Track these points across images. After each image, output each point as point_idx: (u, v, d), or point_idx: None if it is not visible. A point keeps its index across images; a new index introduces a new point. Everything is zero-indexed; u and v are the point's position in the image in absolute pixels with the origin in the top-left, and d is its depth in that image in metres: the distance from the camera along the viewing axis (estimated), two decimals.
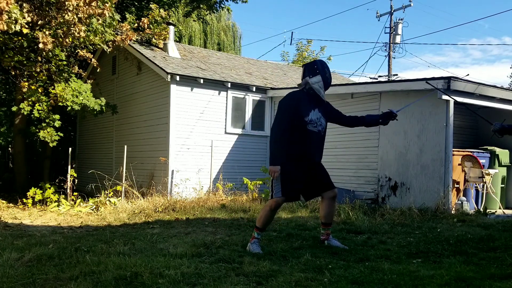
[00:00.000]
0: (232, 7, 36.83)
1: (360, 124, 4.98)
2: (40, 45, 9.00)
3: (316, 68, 4.42)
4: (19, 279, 3.32)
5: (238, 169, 10.63)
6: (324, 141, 4.61)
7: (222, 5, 18.65)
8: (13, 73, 10.35)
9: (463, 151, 8.11)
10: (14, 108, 11.39)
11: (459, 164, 7.91)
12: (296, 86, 4.72)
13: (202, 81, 10.29)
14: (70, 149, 11.02)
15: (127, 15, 12.70)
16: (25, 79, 10.23)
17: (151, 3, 13.43)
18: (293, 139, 4.32)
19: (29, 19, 8.47)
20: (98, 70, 11.74)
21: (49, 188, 9.96)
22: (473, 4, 72.60)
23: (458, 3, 70.25)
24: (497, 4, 66.42)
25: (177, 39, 17.27)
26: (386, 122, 4.81)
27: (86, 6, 9.08)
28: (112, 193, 9.18)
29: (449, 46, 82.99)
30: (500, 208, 8.14)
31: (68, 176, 10.12)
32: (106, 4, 9.51)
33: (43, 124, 10.45)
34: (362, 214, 6.92)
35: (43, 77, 10.34)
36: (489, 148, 8.71)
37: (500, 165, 8.57)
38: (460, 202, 7.53)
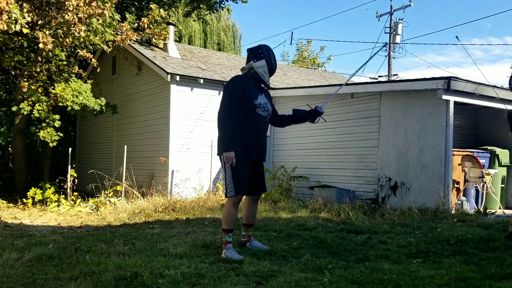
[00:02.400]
0: (232, 7, 36.81)
1: (290, 122, 4.73)
2: (40, 45, 9.00)
3: (260, 53, 4.27)
4: (19, 279, 3.32)
5: None
6: (267, 130, 4.41)
7: (222, 5, 18.66)
8: (13, 73, 10.35)
9: (463, 151, 8.11)
10: (14, 108, 11.39)
11: (459, 164, 7.91)
12: (243, 72, 4.42)
13: (202, 81, 10.29)
14: (70, 149, 11.01)
15: (127, 15, 12.70)
16: (25, 79, 10.23)
17: (151, 3, 13.43)
18: (243, 124, 4.09)
19: (29, 19, 8.47)
20: (98, 70, 11.74)
21: (49, 188, 9.96)
22: (474, 4, 72.61)
23: (458, 3, 70.26)
24: (498, 3, 66.43)
25: (177, 39, 17.27)
26: (314, 119, 4.56)
27: (86, 6, 9.09)
28: (112, 193, 9.18)
29: (451, 46, 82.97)
30: (500, 208, 8.14)
31: (68, 176, 10.12)
32: (106, 4, 9.51)
33: (43, 124, 10.45)
34: (362, 214, 6.92)
35: (43, 77, 10.34)
36: (489, 148, 8.71)
37: (500, 165, 8.58)
38: (460, 202, 7.53)
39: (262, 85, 4.34)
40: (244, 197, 4.41)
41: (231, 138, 4.03)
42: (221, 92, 10.63)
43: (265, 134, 4.35)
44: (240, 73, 4.44)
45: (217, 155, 4.27)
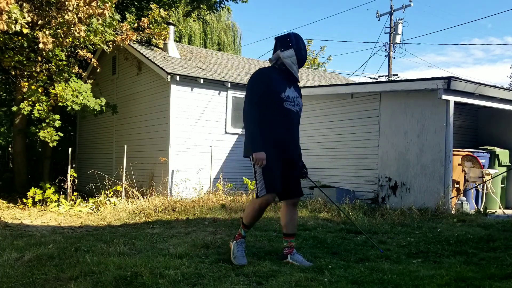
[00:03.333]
0: (232, 7, 36.83)
1: None
2: (40, 45, 9.00)
3: (289, 41, 3.85)
4: (19, 279, 3.32)
5: (238, 169, 10.63)
6: (299, 127, 4.02)
7: (222, 5, 18.68)
8: (13, 73, 10.35)
9: (463, 151, 8.11)
10: (14, 108, 11.39)
11: (459, 164, 7.91)
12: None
13: (202, 81, 10.29)
14: (70, 149, 11.01)
15: (127, 15, 12.70)
16: (25, 79, 10.23)
17: (151, 3, 13.44)
18: (271, 121, 3.74)
19: (29, 19, 8.47)
20: (98, 70, 11.74)
21: (49, 188, 9.96)
22: (474, 4, 72.62)
23: (459, 3, 70.27)
24: (499, 3, 66.42)
25: (177, 39, 17.27)
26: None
27: (86, 6, 9.09)
28: (112, 193, 9.18)
29: (451, 46, 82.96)
30: (500, 208, 8.14)
31: (68, 176, 10.12)
32: (106, 4, 9.52)
33: (43, 124, 10.45)
34: (362, 214, 6.92)
35: (43, 77, 10.34)
36: (489, 148, 8.71)
37: (500, 165, 8.57)
38: (460, 202, 7.53)
39: (291, 78, 3.91)
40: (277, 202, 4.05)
41: (260, 136, 3.66)
42: (221, 92, 10.73)
43: (296, 130, 3.95)
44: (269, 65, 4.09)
45: (244, 156, 3.90)
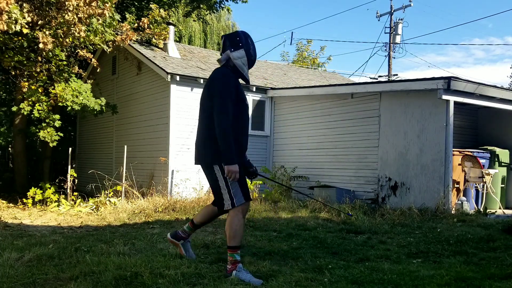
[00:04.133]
0: (232, 7, 36.85)
1: None
2: (40, 45, 8.99)
3: (239, 41, 3.63)
4: (19, 279, 3.32)
5: None
6: None
7: (222, 5, 18.65)
8: (13, 73, 10.34)
9: (463, 151, 8.11)
10: (14, 108, 11.38)
11: (459, 164, 7.91)
12: (221, 64, 3.75)
13: (202, 81, 10.28)
14: (70, 149, 11.01)
15: (127, 15, 12.69)
16: (25, 79, 10.22)
17: (151, 3, 13.43)
18: (237, 127, 3.51)
19: (29, 19, 8.46)
20: (98, 70, 11.73)
21: (49, 188, 9.95)
22: (474, 4, 72.61)
23: (459, 3, 70.26)
24: (500, 3, 66.36)
25: (177, 39, 17.27)
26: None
27: (86, 6, 9.08)
28: (112, 193, 9.18)
29: (452, 46, 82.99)
30: (500, 208, 8.14)
31: (68, 176, 10.11)
32: (106, 4, 9.51)
33: (43, 124, 10.44)
34: (362, 214, 6.93)
35: (43, 77, 10.33)
36: (489, 148, 8.71)
37: (500, 165, 8.58)
38: (460, 202, 7.53)
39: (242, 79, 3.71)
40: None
41: (233, 146, 3.38)
42: None
43: (247, 135, 3.77)
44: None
45: (207, 165, 3.58)
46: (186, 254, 3.95)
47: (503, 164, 8.63)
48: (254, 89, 11.03)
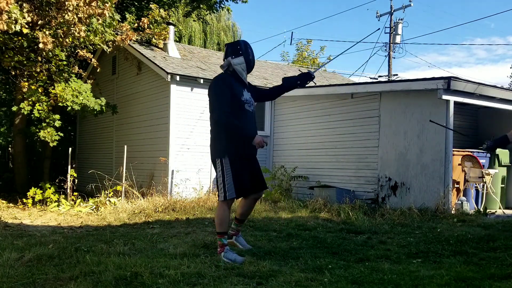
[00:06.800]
0: (232, 7, 36.78)
1: (281, 91, 4.58)
2: (40, 45, 8.99)
3: (239, 49, 4.17)
4: (19, 279, 3.32)
5: None
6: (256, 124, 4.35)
7: (222, 5, 18.65)
8: (13, 73, 10.34)
9: (463, 151, 8.11)
10: (14, 108, 11.39)
11: (459, 164, 7.91)
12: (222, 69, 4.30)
13: (202, 81, 10.28)
14: (70, 149, 11.01)
15: (127, 15, 12.70)
16: (25, 79, 10.22)
17: (151, 3, 13.43)
18: (239, 120, 4.04)
19: (29, 19, 8.46)
20: (98, 70, 11.73)
21: (49, 188, 9.96)
22: (474, 4, 72.61)
23: (459, 3, 70.26)
24: (502, 3, 66.31)
25: (177, 39, 17.27)
26: (304, 83, 4.46)
27: (86, 6, 9.08)
28: (112, 193, 9.18)
29: (453, 46, 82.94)
30: (500, 208, 8.14)
31: (68, 176, 10.11)
32: (106, 4, 9.51)
33: (43, 124, 10.44)
34: (362, 214, 6.93)
35: (43, 77, 10.33)
36: None
37: (500, 165, 8.57)
38: (460, 202, 7.53)
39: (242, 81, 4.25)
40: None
41: (244, 127, 3.98)
42: None
43: (256, 128, 4.29)
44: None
45: (212, 160, 4.13)
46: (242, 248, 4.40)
47: (503, 164, 8.63)
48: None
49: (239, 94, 4.09)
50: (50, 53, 9.75)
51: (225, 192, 4.01)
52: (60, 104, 10.27)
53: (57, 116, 10.52)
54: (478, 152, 8.36)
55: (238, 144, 4.04)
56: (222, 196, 4.05)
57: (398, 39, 24.23)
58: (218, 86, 4.07)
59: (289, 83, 4.50)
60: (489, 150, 4.95)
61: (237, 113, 4.02)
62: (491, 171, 8.11)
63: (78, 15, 9.10)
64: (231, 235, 4.41)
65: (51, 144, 10.60)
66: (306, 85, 4.58)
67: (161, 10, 12.15)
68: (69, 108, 10.16)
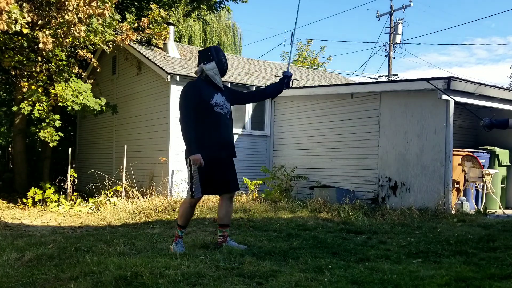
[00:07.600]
0: (232, 7, 36.82)
1: (263, 96, 4.94)
2: (40, 45, 8.99)
3: (210, 55, 4.36)
4: (19, 279, 3.32)
5: (238, 169, 10.52)
6: (232, 127, 4.52)
7: (222, 5, 18.65)
8: (13, 73, 10.34)
9: (463, 151, 8.11)
10: (14, 108, 11.39)
11: (459, 164, 7.91)
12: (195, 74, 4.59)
13: None
14: (70, 149, 11.01)
15: (127, 15, 12.70)
16: (25, 79, 10.22)
17: (151, 3, 13.43)
18: (204, 126, 4.24)
19: (29, 19, 8.46)
20: (98, 70, 11.73)
21: (49, 188, 9.96)
22: (474, 4, 72.59)
23: (459, 3, 70.24)
24: (502, 3, 66.29)
25: (177, 39, 17.26)
26: (285, 85, 4.63)
27: (86, 6, 9.08)
28: (112, 193, 9.18)
29: (454, 46, 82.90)
30: (500, 208, 8.14)
31: (68, 176, 10.11)
32: (106, 4, 9.51)
33: (43, 124, 10.45)
34: (362, 214, 6.93)
35: (43, 77, 10.33)
36: (489, 148, 8.71)
37: (500, 165, 8.57)
38: (460, 202, 7.53)
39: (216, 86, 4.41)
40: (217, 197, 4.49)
41: (196, 141, 4.14)
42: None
43: (229, 131, 4.45)
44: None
45: (185, 159, 4.32)
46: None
47: (503, 164, 8.63)
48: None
49: (208, 97, 4.27)
50: (50, 53, 9.76)
51: (192, 191, 4.23)
52: (60, 104, 10.28)
53: (57, 116, 10.52)
54: (478, 152, 8.37)
55: (206, 147, 4.19)
56: (189, 194, 4.29)
57: (398, 39, 24.23)
58: (184, 93, 4.29)
59: (272, 89, 4.77)
60: (485, 127, 5.03)
61: (206, 115, 4.23)
62: (491, 171, 8.11)
63: (78, 15, 9.10)
64: (219, 243, 4.49)
65: (51, 144, 10.60)
66: (291, 86, 4.73)
67: (161, 10, 12.15)
68: (69, 108, 10.16)
